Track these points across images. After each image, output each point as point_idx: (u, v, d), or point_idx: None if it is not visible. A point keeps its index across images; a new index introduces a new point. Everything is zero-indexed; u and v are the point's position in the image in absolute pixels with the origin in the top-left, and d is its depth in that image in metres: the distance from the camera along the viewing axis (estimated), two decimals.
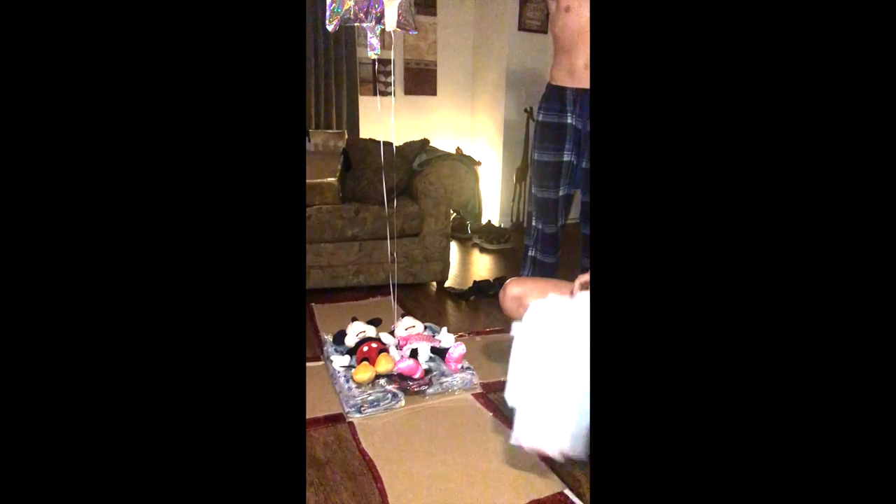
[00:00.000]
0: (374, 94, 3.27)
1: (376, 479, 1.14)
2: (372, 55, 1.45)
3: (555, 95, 1.78)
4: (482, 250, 3.13)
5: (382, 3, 1.41)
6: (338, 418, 1.38)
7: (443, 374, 1.52)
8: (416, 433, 1.31)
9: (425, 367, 1.53)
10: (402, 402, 1.43)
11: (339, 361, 1.56)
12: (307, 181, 2.34)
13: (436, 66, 3.51)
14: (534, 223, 1.90)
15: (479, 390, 1.52)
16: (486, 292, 2.32)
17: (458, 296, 2.35)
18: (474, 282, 2.42)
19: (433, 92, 3.56)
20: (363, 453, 1.23)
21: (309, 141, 2.62)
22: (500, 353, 1.76)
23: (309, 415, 1.38)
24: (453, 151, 2.99)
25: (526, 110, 3.29)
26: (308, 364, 1.67)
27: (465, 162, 2.58)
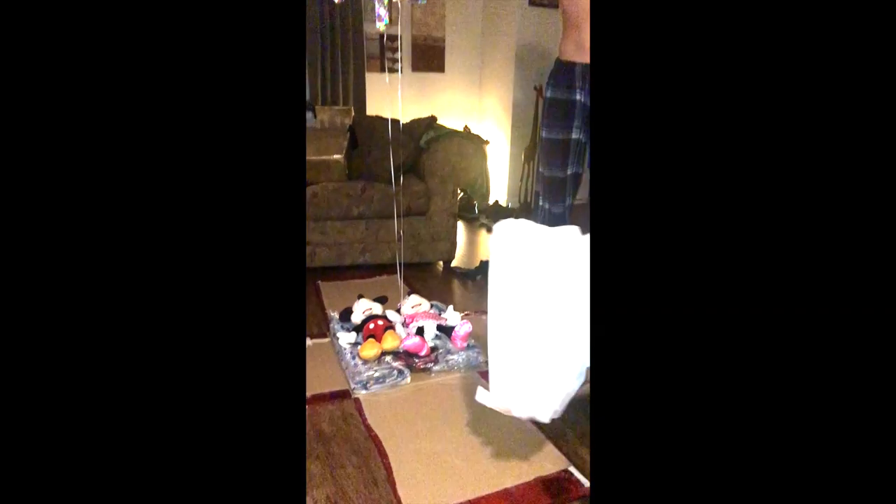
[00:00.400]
0: (382, 71, 3.22)
1: (382, 454, 1.15)
2: (380, 26, 1.42)
3: (563, 71, 1.73)
4: (489, 230, 3.11)
5: None
6: (344, 394, 1.38)
7: (448, 352, 1.52)
8: (421, 410, 1.32)
9: (431, 344, 1.53)
10: (408, 379, 1.43)
11: (346, 338, 1.56)
12: (313, 158, 2.32)
13: (444, 42, 3.44)
14: (541, 203, 1.87)
15: (484, 368, 1.52)
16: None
17: (464, 275, 2.34)
18: (481, 261, 2.41)
19: (441, 69, 3.50)
20: (369, 429, 1.24)
21: (315, 117, 2.59)
22: None
23: (315, 391, 1.38)
24: (461, 129, 2.95)
25: (535, 88, 3.23)
26: (315, 341, 1.67)
27: (473, 140, 2.54)
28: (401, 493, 1.03)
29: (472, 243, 2.88)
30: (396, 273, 1.91)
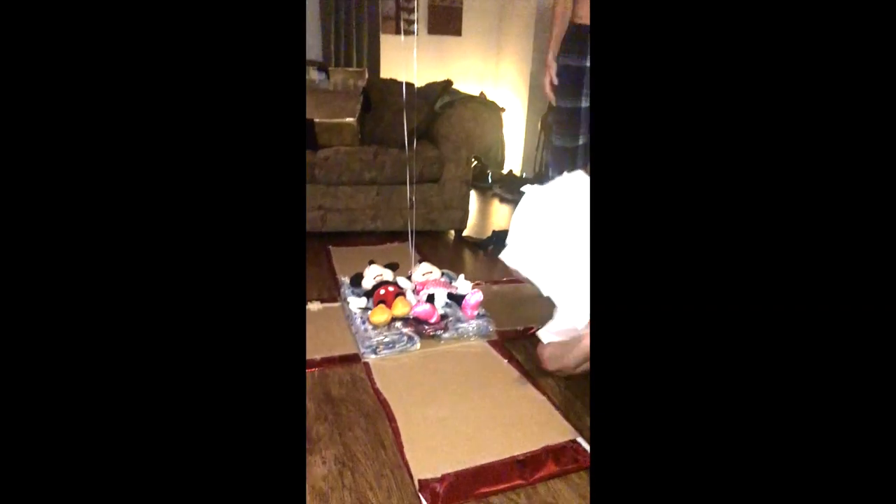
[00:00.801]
0: (397, 33, 3.12)
1: (390, 418, 1.15)
2: None
3: (575, 35, 1.66)
4: (502, 200, 3.07)
5: None
6: (353, 358, 1.38)
7: (459, 321, 1.51)
8: (430, 376, 1.32)
9: (441, 312, 1.52)
10: (418, 346, 1.43)
11: (356, 303, 1.55)
12: (325, 121, 2.28)
13: (462, 4, 3.32)
14: (551, 174, 1.83)
15: (494, 338, 1.51)
16: (505, 243, 2.28)
17: (476, 245, 2.32)
18: (493, 231, 2.38)
19: (458, 32, 3.39)
20: (377, 393, 1.24)
21: (328, 79, 2.54)
22: (516, 303, 1.74)
23: (324, 354, 1.38)
24: (476, 95, 2.87)
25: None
26: (325, 305, 1.67)
27: (488, 106, 2.48)
28: (408, 456, 1.04)
29: (484, 213, 2.85)
30: (408, 241, 1.89)
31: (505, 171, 3.29)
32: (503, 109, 2.78)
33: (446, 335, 1.48)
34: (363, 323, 1.47)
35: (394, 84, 2.50)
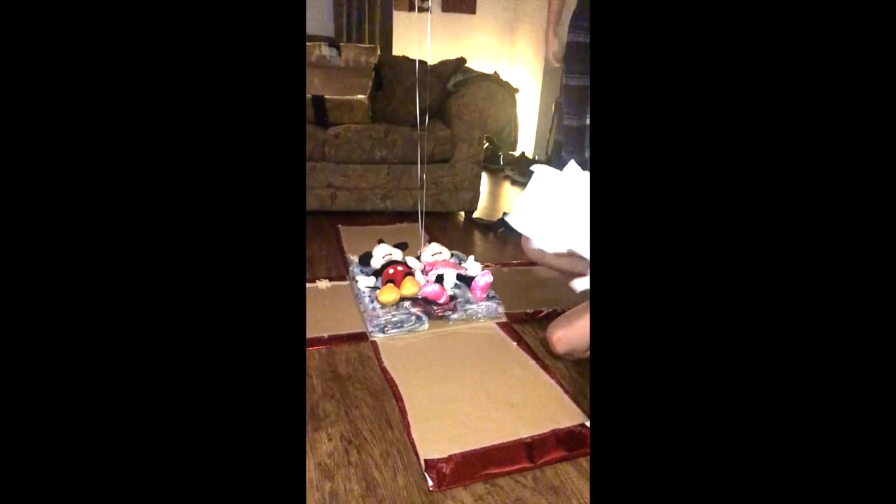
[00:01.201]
0: (410, 9, 3.06)
1: (397, 397, 1.14)
2: None
3: (583, 10, 1.60)
4: (514, 182, 3.03)
5: None
6: (361, 337, 1.37)
7: (468, 302, 1.50)
8: (438, 356, 1.30)
9: (450, 293, 1.50)
10: (426, 326, 1.42)
11: (365, 282, 1.54)
12: (336, 98, 2.25)
13: None
14: (562, 154, 1.79)
15: (503, 320, 1.49)
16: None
17: (486, 227, 2.29)
18: (504, 213, 2.34)
19: (472, 10, 3.32)
20: (385, 372, 1.23)
21: (339, 55, 2.49)
22: (526, 286, 1.72)
23: (332, 332, 1.38)
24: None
25: None
26: (333, 283, 1.66)
27: (503, 85, 2.42)
28: (414, 435, 1.03)
29: (495, 195, 2.81)
30: (417, 221, 1.87)
31: (517, 154, 3.24)
32: (517, 90, 2.72)
33: (455, 316, 1.46)
34: (371, 302, 1.46)
35: (406, 62, 2.45)
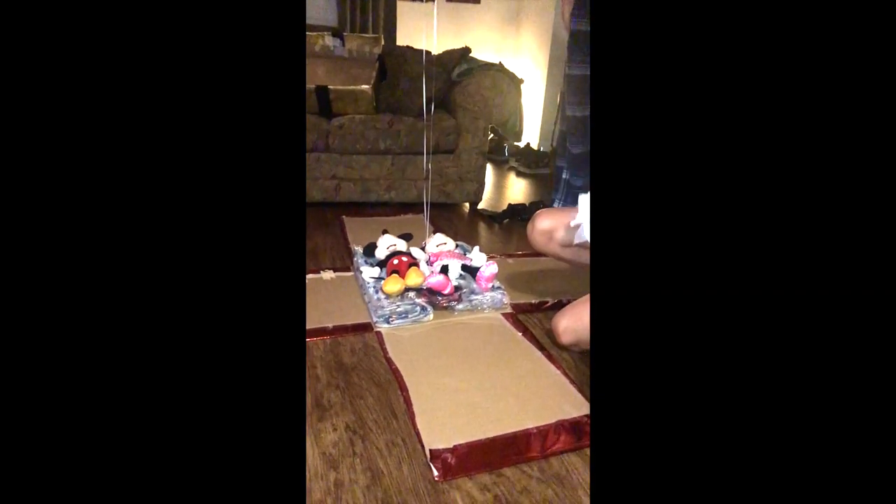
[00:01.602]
0: None
1: (402, 387, 1.14)
2: None
3: (587, 1, 1.58)
4: (518, 174, 3.01)
5: None
6: (366, 327, 1.37)
7: (473, 292, 1.49)
8: (443, 347, 1.30)
9: (455, 283, 1.49)
10: (431, 316, 1.41)
11: (369, 272, 1.53)
12: (340, 88, 2.23)
13: None
14: (567, 143, 1.77)
15: (508, 310, 1.48)
16: (521, 216, 2.24)
17: (491, 218, 2.28)
18: (509, 205, 2.33)
19: (476, 0, 3.29)
20: (389, 362, 1.23)
21: (343, 45, 2.47)
22: (531, 277, 1.71)
23: (336, 322, 1.37)
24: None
25: None
26: (337, 274, 1.65)
27: (508, 74, 2.40)
28: (419, 425, 1.02)
29: (499, 187, 2.80)
30: (422, 213, 1.86)
31: (522, 144, 3.21)
32: (521, 81, 2.69)
33: (460, 306, 1.46)
34: (376, 292, 1.45)
35: (410, 52, 2.43)
